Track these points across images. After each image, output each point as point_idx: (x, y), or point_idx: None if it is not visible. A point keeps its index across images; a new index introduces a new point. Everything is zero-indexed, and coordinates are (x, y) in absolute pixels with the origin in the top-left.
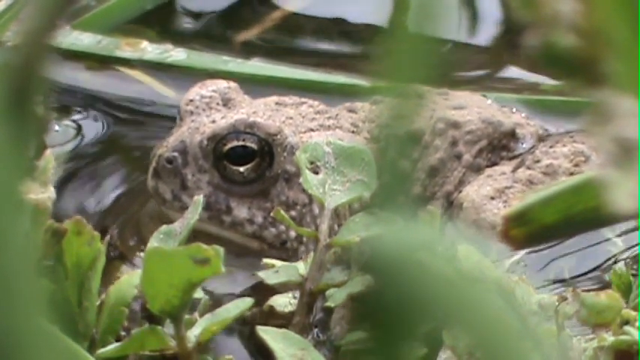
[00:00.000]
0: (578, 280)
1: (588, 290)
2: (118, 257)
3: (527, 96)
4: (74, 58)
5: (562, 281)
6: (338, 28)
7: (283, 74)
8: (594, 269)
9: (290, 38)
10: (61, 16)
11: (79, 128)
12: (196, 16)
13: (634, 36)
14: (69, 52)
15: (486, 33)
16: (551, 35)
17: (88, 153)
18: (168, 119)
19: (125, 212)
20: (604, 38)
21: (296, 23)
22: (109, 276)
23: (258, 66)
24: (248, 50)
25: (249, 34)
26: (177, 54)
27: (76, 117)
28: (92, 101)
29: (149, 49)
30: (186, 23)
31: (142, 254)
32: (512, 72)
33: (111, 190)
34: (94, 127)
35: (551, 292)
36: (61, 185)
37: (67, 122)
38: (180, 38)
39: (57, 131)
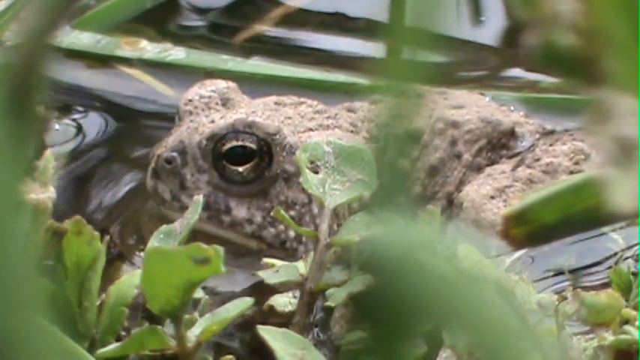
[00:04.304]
0: (578, 278)
1: (588, 289)
2: (118, 257)
3: (527, 94)
4: (74, 57)
5: (562, 280)
6: (338, 25)
7: (283, 73)
8: (594, 268)
9: (290, 36)
10: (62, 16)
11: (79, 127)
12: (196, 14)
13: (634, 36)
14: (69, 52)
15: (488, 31)
16: (551, 35)
17: (88, 152)
18: (167, 118)
19: (125, 211)
20: (604, 38)
21: (297, 20)
22: (109, 276)
23: (257, 65)
24: (249, 49)
25: (250, 32)
26: (176, 53)
27: (76, 116)
28: (92, 100)
29: (148, 48)
30: (186, 22)
31: (141, 254)
32: (513, 70)
33: (111, 189)
34: (94, 126)
35: (551, 291)
36: (61, 184)
37: (67, 121)
38: (179, 37)
39: (57, 130)
